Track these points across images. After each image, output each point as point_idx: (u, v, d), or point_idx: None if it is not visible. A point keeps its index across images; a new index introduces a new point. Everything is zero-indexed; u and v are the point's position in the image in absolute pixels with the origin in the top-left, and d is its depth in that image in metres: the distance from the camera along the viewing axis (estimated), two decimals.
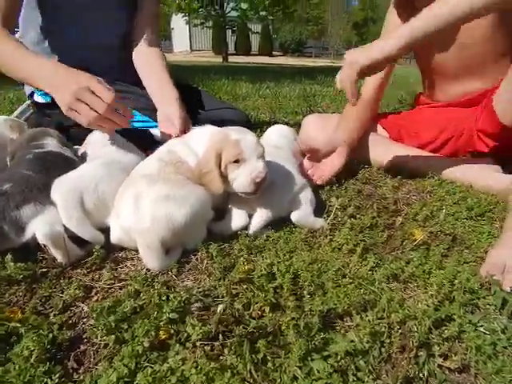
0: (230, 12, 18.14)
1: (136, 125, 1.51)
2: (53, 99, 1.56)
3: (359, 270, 1.00)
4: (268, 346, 0.73)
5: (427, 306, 0.85)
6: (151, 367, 0.69)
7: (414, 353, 0.74)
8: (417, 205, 1.40)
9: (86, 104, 1.12)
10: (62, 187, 1.02)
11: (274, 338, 0.75)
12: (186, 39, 32.25)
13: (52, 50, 1.61)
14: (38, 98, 1.63)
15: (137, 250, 1.05)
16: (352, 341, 0.75)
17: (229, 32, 23.66)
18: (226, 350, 0.72)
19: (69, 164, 1.18)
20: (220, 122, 1.79)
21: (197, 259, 1.04)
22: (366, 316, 0.83)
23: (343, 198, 1.40)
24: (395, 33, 1.23)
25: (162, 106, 1.46)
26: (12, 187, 0.98)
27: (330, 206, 1.32)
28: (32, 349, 0.69)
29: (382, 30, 1.83)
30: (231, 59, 18.31)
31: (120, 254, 1.05)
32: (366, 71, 1.26)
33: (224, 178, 1.12)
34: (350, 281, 0.95)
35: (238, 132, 1.14)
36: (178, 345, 0.74)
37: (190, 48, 32.15)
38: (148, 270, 0.99)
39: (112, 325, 0.74)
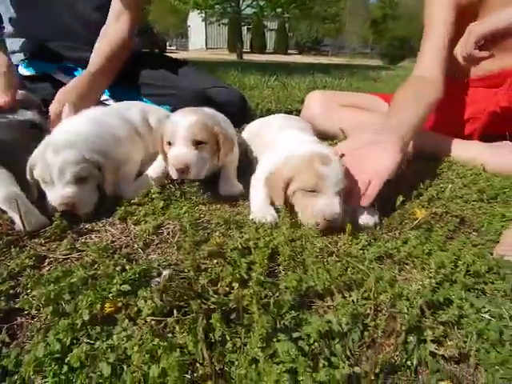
0: (245, 9, 18.04)
1: None
2: (37, 72, 1.51)
3: (349, 249, 0.88)
4: (228, 324, 0.62)
5: (423, 286, 0.73)
6: (90, 343, 0.60)
7: (402, 338, 0.62)
8: (422, 185, 1.27)
9: None
10: None
11: (237, 315, 0.65)
12: (201, 37, 32.31)
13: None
14: (23, 71, 1.56)
15: (105, 223, 0.97)
16: (329, 321, 0.63)
17: (244, 30, 23.57)
18: (178, 327, 0.61)
19: None
20: (214, 103, 1.72)
21: (168, 233, 0.95)
22: (350, 296, 0.72)
23: None
24: None
25: None
26: None
27: None
28: None
29: (425, 22, 1.53)
30: (246, 57, 18.17)
31: (86, 226, 0.96)
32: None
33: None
34: (337, 259, 0.84)
35: (179, 116, 1.09)
36: (126, 320, 0.64)
37: (206, 46, 32.22)
38: (112, 242, 0.89)
39: (51, 295, 0.65)
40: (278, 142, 1.19)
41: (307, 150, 1.01)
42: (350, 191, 1.02)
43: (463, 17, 1.39)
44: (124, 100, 1.44)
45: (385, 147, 1.08)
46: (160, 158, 1.18)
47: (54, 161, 0.92)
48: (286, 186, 0.99)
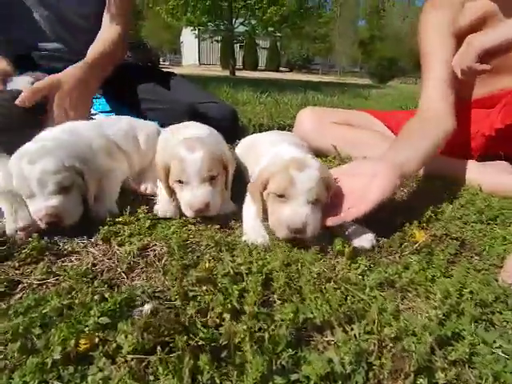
0: (238, 27, 18.32)
1: None
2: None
3: (347, 275, 0.83)
4: (219, 363, 0.56)
5: (429, 319, 0.68)
6: None
7: (411, 379, 0.56)
8: (419, 205, 1.23)
9: None
10: None
11: (228, 354, 0.58)
12: (194, 53, 32.65)
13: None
14: None
15: (87, 243, 0.90)
16: (330, 361, 0.57)
17: (237, 47, 23.91)
18: (161, 368, 0.55)
19: None
20: (206, 118, 1.68)
21: (155, 255, 0.88)
22: (352, 330, 0.66)
23: None
24: None
25: None
26: None
27: None
28: None
29: (423, 50, 1.46)
30: (238, 74, 18.35)
31: (66, 246, 0.88)
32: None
33: (172, 190, 1.06)
34: (335, 286, 0.78)
35: (184, 149, 1.00)
36: (104, 359, 0.57)
37: (199, 62, 32.54)
38: (93, 265, 0.82)
39: (19, 328, 0.58)
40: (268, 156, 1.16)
41: (288, 156, 0.99)
42: (331, 206, 1.00)
43: (462, 41, 1.36)
44: (114, 114, 1.39)
45: (381, 178, 1.00)
46: (164, 193, 1.09)
47: (32, 172, 0.85)
48: (263, 189, 0.97)
